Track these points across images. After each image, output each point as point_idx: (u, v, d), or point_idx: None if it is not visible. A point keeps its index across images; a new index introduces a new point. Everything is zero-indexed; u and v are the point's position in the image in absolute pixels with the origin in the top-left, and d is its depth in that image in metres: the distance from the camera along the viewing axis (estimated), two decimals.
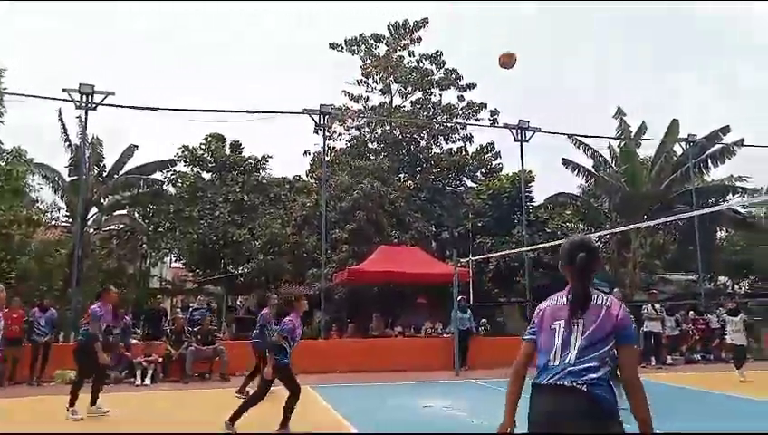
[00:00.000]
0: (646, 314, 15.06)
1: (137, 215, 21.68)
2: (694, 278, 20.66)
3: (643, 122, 21.90)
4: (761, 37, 62.81)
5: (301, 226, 20.28)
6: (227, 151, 21.54)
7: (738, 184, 22.25)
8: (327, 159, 21.25)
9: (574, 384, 2.44)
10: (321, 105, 16.85)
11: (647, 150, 22.51)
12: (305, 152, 24.77)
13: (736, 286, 22.77)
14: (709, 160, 21.20)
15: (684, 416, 7.64)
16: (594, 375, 2.44)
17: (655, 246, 22.26)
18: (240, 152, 21.40)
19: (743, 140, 20.62)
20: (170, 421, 7.58)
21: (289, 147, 49.42)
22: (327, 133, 23.50)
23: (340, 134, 25.56)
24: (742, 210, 22.32)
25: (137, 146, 21.00)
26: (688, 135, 20.24)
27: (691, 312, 16.91)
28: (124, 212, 21.14)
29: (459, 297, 13.99)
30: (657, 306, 15.10)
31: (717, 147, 20.99)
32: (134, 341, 12.73)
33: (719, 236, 23.58)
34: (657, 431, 2.40)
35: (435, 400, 9.21)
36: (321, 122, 17.11)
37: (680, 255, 21.59)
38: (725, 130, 20.90)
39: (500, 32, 69.94)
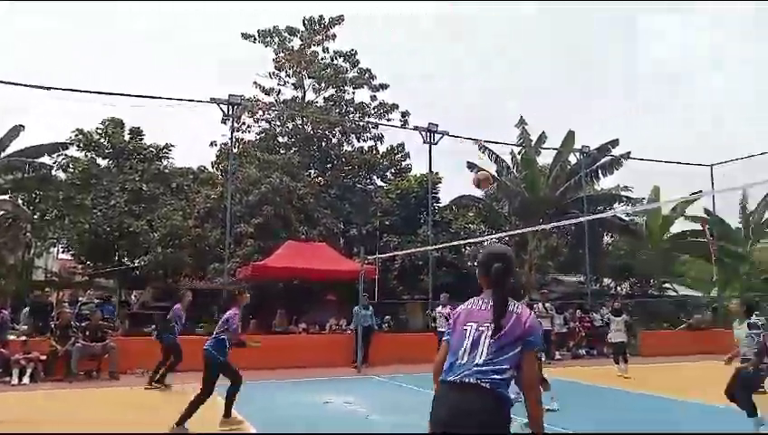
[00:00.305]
0: (537, 312, 15.97)
1: (20, 201, 19.98)
2: (582, 280, 22.13)
3: (543, 132, 23.16)
4: (645, 59, 68.41)
5: (204, 218, 19.59)
6: (126, 137, 20.36)
7: (623, 193, 24.14)
8: (234, 150, 20.68)
9: (479, 382, 2.53)
10: (229, 95, 16.35)
11: (545, 159, 23.87)
12: (212, 143, 24.01)
13: (619, 288, 24.63)
14: (599, 171, 22.79)
15: (575, 408, 8.18)
16: (499, 377, 2.55)
17: (549, 249, 23.61)
18: (141, 139, 20.29)
19: (629, 152, 22.34)
20: (48, 420, 7.08)
21: (194, 137, 47.51)
22: (236, 124, 22.94)
23: (249, 126, 24.98)
24: (626, 218, 24.19)
25: (22, 126, 19.35)
26: (582, 146, 21.63)
27: (578, 311, 18.13)
28: (5, 197, 19.41)
29: (364, 294, 14.15)
30: (547, 305, 16.06)
31: (607, 158, 22.61)
32: (12, 337, 11.72)
33: (605, 241, 25.41)
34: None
35: (336, 396, 9.25)
36: (230, 113, 16.62)
37: (571, 257, 23.05)
38: (614, 143, 22.55)
39: (414, 35, 71.21)
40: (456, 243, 18.18)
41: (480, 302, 2.82)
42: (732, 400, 6.80)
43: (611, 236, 25.32)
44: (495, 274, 2.80)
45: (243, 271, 16.07)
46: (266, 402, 8.93)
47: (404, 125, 24.29)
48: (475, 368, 2.58)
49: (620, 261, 23.78)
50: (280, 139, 25.23)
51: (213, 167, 23.29)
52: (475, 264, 3.01)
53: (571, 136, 22.49)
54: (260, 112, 25.06)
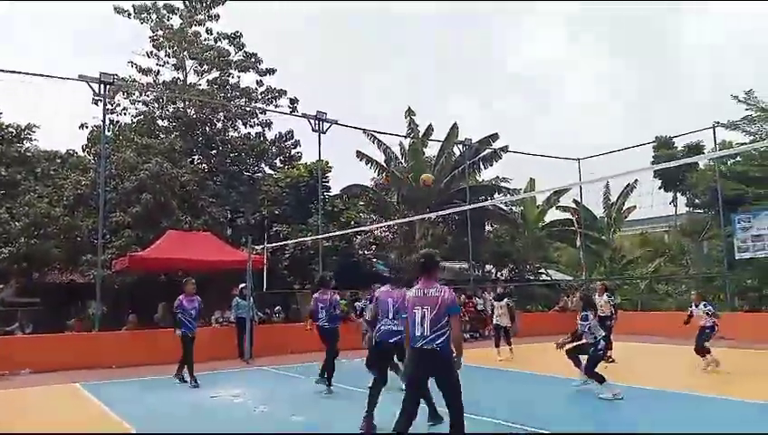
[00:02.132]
0: None
1: None
2: (465, 266, 23.14)
3: (430, 124, 23.83)
4: (513, 68, 72.79)
5: (74, 206, 17.98)
6: None
7: (503, 184, 25.53)
8: (108, 133, 19.17)
9: (431, 346, 4.54)
10: (101, 73, 15.04)
11: (432, 150, 24.59)
12: (82, 125, 22.02)
13: (499, 273, 26.05)
14: (481, 162, 23.94)
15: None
16: (440, 340, 4.54)
17: (435, 237, 24.40)
18: None
19: (507, 146, 23.63)
20: None
21: (62, 118, 43.36)
22: (110, 106, 21.27)
23: (125, 108, 23.26)
24: (505, 207, 25.61)
25: None
26: (465, 139, 22.54)
27: (462, 296, 18.93)
28: None
29: (241, 285, 13.76)
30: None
31: (488, 151, 23.77)
32: None
33: (487, 229, 26.75)
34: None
35: (223, 389, 8.93)
36: (101, 92, 15.29)
37: (456, 245, 23.98)
38: (494, 137, 23.77)
39: (303, 19, 70.21)
40: (346, 231, 18.25)
41: (419, 291, 4.72)
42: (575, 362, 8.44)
43: (492, 225, 26.66)
44: (423, 266, 4.81)
45: (120, 263, 14.98)
46: (146, 400, 8.41)
47: (293, 112, 23.85)
48: (426, 338, 4.55)
49: (500, 248, 25.13)
50: (159, 122, 23.72)
51: (84, 151, 21.41)
52: (415, 262, 5.20)
53: (455, 129, 23.38)
54: (137, 93, 23.42)
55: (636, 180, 25.03)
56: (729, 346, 12.32)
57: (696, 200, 24.77)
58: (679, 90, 64.62)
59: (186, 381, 9.53)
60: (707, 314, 10.29)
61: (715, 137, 19.23)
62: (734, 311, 17.77)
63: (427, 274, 4.77)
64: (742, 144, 19.38)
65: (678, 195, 27.94)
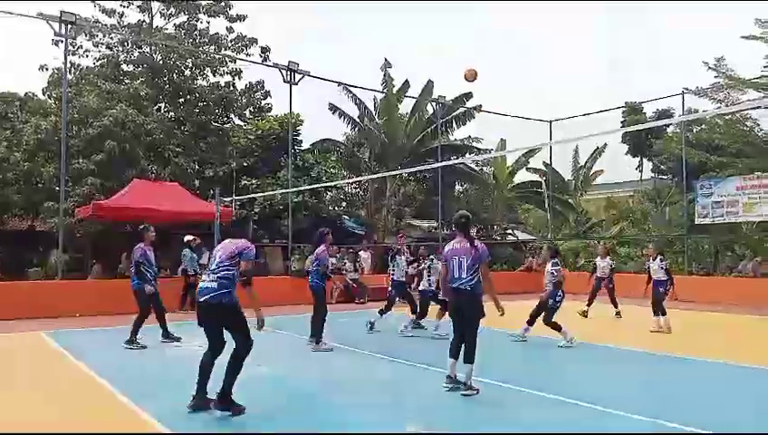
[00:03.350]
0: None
1: None
2: (435, 225, 23.32)
3: (407, 80, 23.48)
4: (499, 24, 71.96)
5: (34, 151, 17.34)
6: None
7: (475, 144, 25.55)
8: (70, 76, 18.38)
9: (466, 287, 5.68)
10: (61, 12, 14.29)
11: (406, 107, 24.32)
12: (41, 67, 20.99)
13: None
14: (454, 121, 23.82)
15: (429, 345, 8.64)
16: (473, 282, 5.68)
17: (406, 195, 24.46)
18: None
19: (481, 105, 23.53)
20: None
21: (20, 58, 41.35)
22: (71, 48, 20.30)
23: (87, 51, 22.18)
24: (476, 167, 25.72)
25: None
26: (438, 96, 22.32)
27: (431, 255, 19.12)
28: None
29: (188, 237, 13.60)
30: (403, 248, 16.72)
31: (461, 110, 23.65)
32: None
33: (457, 188, 26.91)
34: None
35: (194, 340, 8.91)
36: (62, 32, 14.55)
37: (426, 204, 24.11)
38: (468, 96, 23.56)
39: None
40: (316, 186, 18.10)
41: (456, 243, 5.87)
42: (530, 323, 9.08)
43: (462, 185, 26.81)
44: (460, 224, 5.96)
45: (83, 211, 14.60)
46: (114, 352, 8.32)
47: (264, 61, 23.15)
48: (462, 280, 5.69)
49: (470, 207, 25.35)
50: (124, 67, 22.77)
51: (44, 94, 20.50)
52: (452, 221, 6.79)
53: (429, 86, 23.10)
54: (100, 35, 22.35)
55: (605, 144, 25.40)
56: (685, 308, 12.85)
57: (662, 166, 25.29)
58: (657, 53, 65.12)
59: (173, 338, 8.92)
60: (663, 268, 10.58)
61: (683, 104, 19.51)
62: (690, 274, 18.44)
63: (465, 230, 5.88)
64: (708, 111, 19.71)
65: (645, 161, 28.48)
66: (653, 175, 28.19)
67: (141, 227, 9.20)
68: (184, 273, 13.45)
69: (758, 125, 20.13)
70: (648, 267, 10.94)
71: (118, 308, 11.68)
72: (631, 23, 70.62)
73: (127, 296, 11.49)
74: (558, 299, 8.73)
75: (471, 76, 9.25)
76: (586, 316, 12.39)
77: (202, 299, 4.98)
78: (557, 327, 8.60)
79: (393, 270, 10.76)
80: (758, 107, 19.51)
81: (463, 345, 5.65)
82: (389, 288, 10.96)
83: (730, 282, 17.44)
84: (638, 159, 29.02)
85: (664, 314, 10.35)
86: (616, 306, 12.67)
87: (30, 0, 16.28)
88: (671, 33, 66.44)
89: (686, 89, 19.33)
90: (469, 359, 5.56)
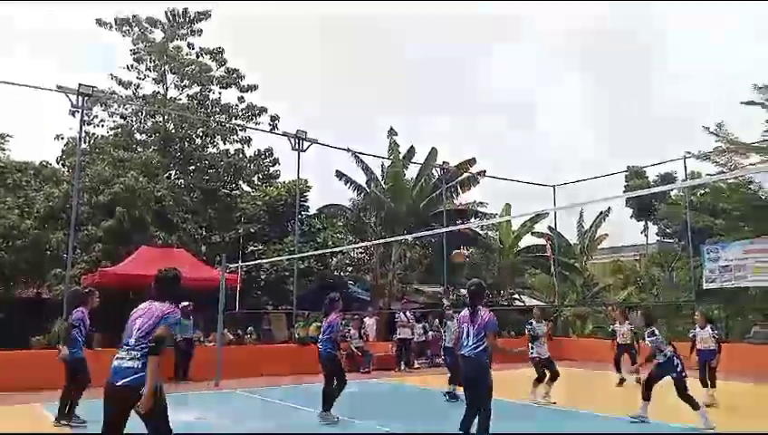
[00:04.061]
0: (398, 321, 16.41)
1: None
2: (441, 290, 23.17)
3: (412, 146, 23.98)
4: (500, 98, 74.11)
5: (44, 219, 17.63)
6: None
7: (480, 208, 25.74)
8: (84, 145, 18.94)
9: (471, 354, 5.79)
10: (80, 84, 14.86)
11: (411, 172, 24.72)
12: (57, 136, 21.69)
13: None
14: (459, 186, 24.13)
15: (427, 415, 8.46)
16: (480, 349, 5.78)
17: (412, 260, 24.44)
18: None
19: (485, 171, 23.88)
20: None
21: (38, 128, 42.72)
22: (87, 118, 21.00)
23: (102, 120, 23.03)
24: (481, 232, 25.80)
25: None
26: (443, 162, 22.73)
27: (437, 320, 18.92)
28: None
29: (184, 303, 13.52)
30: (408, 314, 16.57)
31: (465, 175, 23.99)
32: None
33: (464, 253, 26.85)
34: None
35: (192, 412, 8.76)
36: (79, 104, 15.08)
37: (432, 268, 24.03)
38: (472, 161, 24.00)
39: (286, 37, 70.56)
40: (322, 251, 18.15)
41: (467, 310, 6.06)
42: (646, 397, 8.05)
43: (468, 249, 26.79)
44: (470, 293, 6.15)
45: (89, 278, 14.68)
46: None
47: (273, 130, 23.82)
48: (469, 347, 5.83)
49: (475, 272, 25.27)
50: (137, 136, 23.51)
51: (58, 162, 21.06)
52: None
53: (434, 152, 23.58)
54: (115, 106, 23.20)
55: (609, 208, 25.51)
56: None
57: (667, 230, 25.28)
58: (653, 119, 66.45)
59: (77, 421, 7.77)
60: (714, 337, 9.95)
61: (685, 167, 19.63)
62: None
63: (473, 298, 6.09)
64: (711, 175, 19.87)
65: (650, 224, 28.50)
66: (658, 238, 28.16)
67: (86, 290, 8.60)
68: (181, 342, 13.28)
69: (762, 188, 20.25)
70: (695, 336, 10.30)
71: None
72: (630, 92, 72.49)
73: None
74: (680, 368, 7.67)
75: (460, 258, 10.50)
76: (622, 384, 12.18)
77: (119, 383, 3.99)
78: (695, 405, 7.57)
79: (444, 336, 10.65)
80: (762, 171, 19.74)
81: (476, 418, 5.65)
82: (443, 355, 10.94)
83: (744, 349, 17.05)
84: (643, 222, 29.09)
85: (714, 385, 9.80)
86: (618, 371, 12.47)
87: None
88: (672, 96, 68.02)
89: (689, 153, 19.56)
90: (482, 432, 5.52)
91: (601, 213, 26.89)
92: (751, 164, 19.53)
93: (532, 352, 9.87)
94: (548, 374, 9.75)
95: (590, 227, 27.57)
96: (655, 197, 25.32)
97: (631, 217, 30.59)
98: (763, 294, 19.34)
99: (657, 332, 7.93)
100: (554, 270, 23.24)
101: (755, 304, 19.65)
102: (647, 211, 26.31)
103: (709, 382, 9.87)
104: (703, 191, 22.65)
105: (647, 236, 29.44)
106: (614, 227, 28.41)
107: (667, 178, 25.41)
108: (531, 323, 10.33)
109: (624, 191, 24.95)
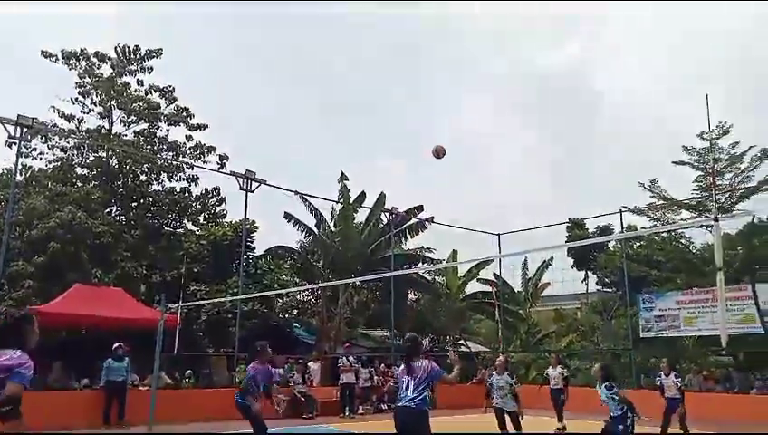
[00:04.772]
0: (341, 366, 16.11)
1: None
2: (387, 334, 23.01)
3: (363, 191, 24.17)
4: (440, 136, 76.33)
5: None
6: None
7: (427, 254, 26.00)
8: (19, 178, 18.13)
9: (412, 404, 5.75)
10: (18, 115, 14.35)
11: (360, 216, 24.81)
12: None
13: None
14: (407, 232, 24.40)
15: None
16: (419, 400, 5.77)
17: (359, 304, 24.27)
18: None
19: (432, 217, 24.27)
20: None
21: None
22: (24, 150, 20.22)
23: (41, 153, 22.16)
24: (427, 276, 25.98)
25: None
26: (392, 207, 22.98)
27: (382, 365, 18.71)
28: None
29: (115, 345, 12.97)
30: (351, 359, 16.31)
31: (413, 221, 24.31)
32: None
33: (410, 298, 26.92)
34: None
35: None
36: (17, 135, 14.52)
37: (379, 312, 23.91)
38: (420, 208, 24.41)
39: (236, 76, 70.75)
40: (266, 293, 17.80)
41: (404, 365, 6.07)
42: None
43: (415, 294, 26.89)
44: (406, 347, 6.35)
45: None
46: None
47: (221, 169, 23.53)
48: (408, 398, 5.80)
49: (422, 317, 25.29)
50: (78, 170, 22.71)
51: None
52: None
53: (382, 197, 23.85)
54: (56, 139, 22.44)
55: (551, 257, 26.22)
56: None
57: (606, 280, 26.15)
58: (594, 172, 69.69)
59: None
60: (677, 385, 10.06)
61: (621, 221, 20.60)
62: (639, 388, 18.53)
63: (413, 352, 6.18)
64: (646, 229, 20.86)
65: (590, 274, 29.42)
66: (598, 288, 29.06)
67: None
68: (110, 384, 12.59)
69: (692, 243, 21.39)
70: (662, 383, 10.39)
71: (41, 423, 10.79)
72: (572, 147, 76.05)
73: (54, 409, 10.70)
74: (629, 424, 7.64)
75: (440, 152, 9.26)
76: (564, 431, 12.13)
77: None
78: None
79: (494, 394, 9.64)
80: (691, 226, 20.88)
81: None
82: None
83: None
84: (584, 272, 29.99)
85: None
86: (560, 420, 12.31)
87: None
88: (609, 153, 71.65)
89: (624, 207, 20.54)
90: None
91: (544, 262, 27.60)
92: (682, 220, 20.67)
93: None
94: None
95: (534, 275, 28.22)
96: (594, 247, 26.31)
97: (572, 266, 31.53)
98: (695, 343, 20.17)
99: (614, 386, 7.87)
100: (499, 317, 23.53)
101: (689, 353, 20.42)
102: (586, 261, 27.19)
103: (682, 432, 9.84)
104: (639, 243, 23.70)
105: (587, 284, 30.32)
106: (557, 275, 29.13)
107: (605, 231, 26.44)
108: (491, 376, 9.69)
109: (566, 241, 25.78)
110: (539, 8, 73.12)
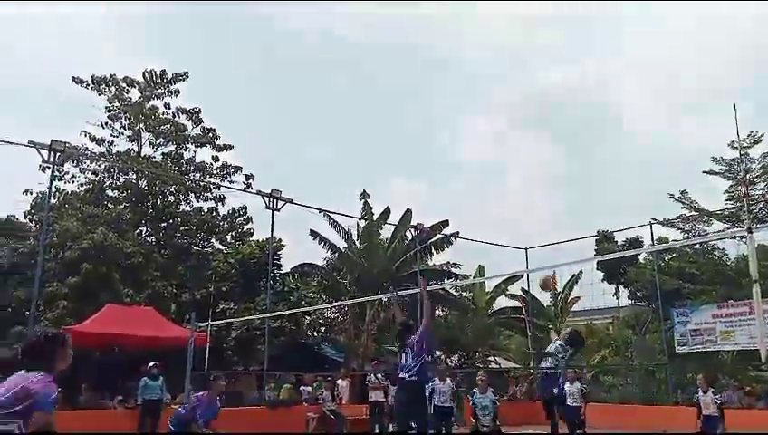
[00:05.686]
0: (370, 384, 15.95)
1: None
2: None
3: (387, 207, 24.21)
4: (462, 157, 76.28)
5: (7, 274, 17.04)
6: None
7: (453, 269, 25.79)
8: (53, 201, 18.58)
9: (409, 376, 6.06)
10: (52, 140, 14.70)
11: (385, 233, 24.79)
12: (26, 191, 21.30)
13: (448, 360, 25.76)
14: (432, 247, 24.26)
15: None
16: (417, 370, 6.01)
17: (386, 320, 24.13)
18: None
19: (458, 232, 24.12)
20: None
21: (6, 183, 41.95)
22: (58, 173, 20.75)
23: (74, 176, 22.77)
24: (454, 292, 25.75)
25: None
26: (417, 223, 22.91)
27: None
28: None
29: (150, 364, 13.04)
30: (379, 376, 16.14)
31: (439, 236, 24.19)
32: None
33: (437, 313, 26.68)
34: None
35: None
36: (51, 160, 14.88)
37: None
38: (445, 223, 24.27)
39: (263, 95, 71.83)
40: (294, 311, 17.83)
41: (399, 343, 6.53)
42: None
43: (443, 310, 26.65)
44: (399, 333, 6.72)
45: None
46: None
47: (247, 188, 23.83)
48: (408, 369, 6.14)
49: (450, 333, 25.02)
50: (109, 192, 23.25)
51: (25, 217, 20.58)
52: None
53: (408, 214, 23.82)
54: (88, 162, 23.04)
55: (581, 272, 25.75)
56: None
57: (638, 293, 25.63)
58: (620, 184, 68.77)
59: None
60: (716, 402, 9.65)
61: (651, 233, 20.15)
62: (676, 405, 17.98)
63: (406, 333, 6.51)
64: (677, 241, 20.42)
65: (621, 288, 28.86)
66: (630, 302, 28.48)
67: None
68: (147, 404, 12.69)
69: (726, 254, 20.85)
70: (699, 400, 9.98)
71: None
72: (596, 161, 75.24)
73: (89, 428, 10.80)
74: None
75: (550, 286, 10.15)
76: None
77: None
78: None
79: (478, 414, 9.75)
80: (724, 237, 20.38)
81: None
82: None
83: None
84: (614, 286, 29.43)
85: None
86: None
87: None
88: (635, 163, 70.69)
89: (654, 219, 20.14)
90: None
91: (573, 275, 27.15)
92: (714, 231, 20.18)
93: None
94: None
95: (563, 289, 27.77)
96: (624, 260, 25.84)
97: (602, 280, 31.00)
98: (734, 358, 19.53)
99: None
100: (530, 333, 23.18)
101: (727, 368, 19.78)
102: (617, 274, 26.70)
103: None
104: (671, 256, 23.18)
105: (618, 298, 29.75)
106: (587, 290, 28.66)
107: (635, 243, 25.96)
108: (473, 394, 9.59)
109: (595, 255, 25.37)
110: (555, 20, 73.02)
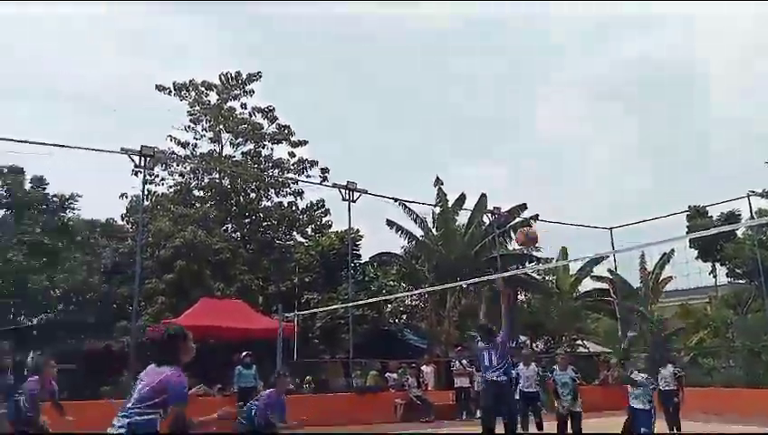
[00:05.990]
0: (455, 370, 15.94)
1: None
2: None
3: (462, 193, 23.92)
4: (540, 137, 73.96)
5: (111, 274, 18.36)
6: (27, 187, 18.95)
7: (534, 253, 25.15)
8: (146, 203, 19.77)
9: (496, 376, 6.83)
10: (142, 146, 15.65)
11: (461, 219, 24.53)
12: (122, 195, 22.83)
13: (534, 345, 25.25)
14: (511, 231, 23.73)
15: None
16: (502, 372, 6.84)
17: (467, 307, 23.95)
18: (44, 189, 18.95)
19: (537, 215, 23.47)
20: None
21: (104, 188, 45.01)
22: (148, 177, 22.07)
23: (163, 179, 24.14)
24: (537, 277, 25.14)
25: None
26: (494, 208, 22.51)
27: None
28: None
29: (244, 353, 13.53)
30: (464, 362, 16.09)
31: (517, 220, 23.63)
32: None
33: (520, 298, 26.17)
34: None
35: None
36: (142, 164, 15.86)
37: (488, 315, 23.44)
38: (523, 207, 23.64)
39: (332, 89, 72.88)
40: (376, 299, 18.07)
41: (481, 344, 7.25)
42: None
43: (525, 295, 26.11)
44: (480, 331, 7.75)
45: (153, 330, 15.06)
46: None
47: (323, 182, 24.36)
48: (493, 370, 6.88)
49: (533, 318, 24.50)
50: (195, 192, 24.49)
51: (122, 219, 22.09)
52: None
53: (484, 199, 23.42)
54: (175, 165, 24.34)
55: (672, 250, 24.41)
56: None
57: (737, 271, 24.01)
58: (708, 158, 64.39)
59: None
60: None
61: (750, 206, 18.78)
62: None
63: (490, 335, 7.17)
64: None
65: (717, 265, 27.14)
66: (729, 280, 26.70)
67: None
68: (242, 391, 13.30)
69: None
70: None
71: None
72: (683, 133, 70.82)
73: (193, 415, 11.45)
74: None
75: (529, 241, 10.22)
76: None
77: None
78: None
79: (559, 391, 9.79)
80: None
81: None
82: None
83: None
84: (710, 263, 27.69)
85: None
86: (678, 429, 10.34)
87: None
88: (724, 138, 65.95)
89: (752, 191, 18.73)
90: None
91: (664, 254, 25.77)
92: None
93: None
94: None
95: (654, 269, 26.43)
96: (721, 236, 24.26)
97: (697, 258, 29.26)
98: None
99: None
100: (620, 315, 22.28)
101: None
102: (713, 252, 25.13)
103: None
104: None
105: (715, 277, 27.98)
106: (680, 269, 27.12)
107: (731, 218, 24.29)
108: (553, 371, 9.70)
109: (687, 232, 23.97)
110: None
